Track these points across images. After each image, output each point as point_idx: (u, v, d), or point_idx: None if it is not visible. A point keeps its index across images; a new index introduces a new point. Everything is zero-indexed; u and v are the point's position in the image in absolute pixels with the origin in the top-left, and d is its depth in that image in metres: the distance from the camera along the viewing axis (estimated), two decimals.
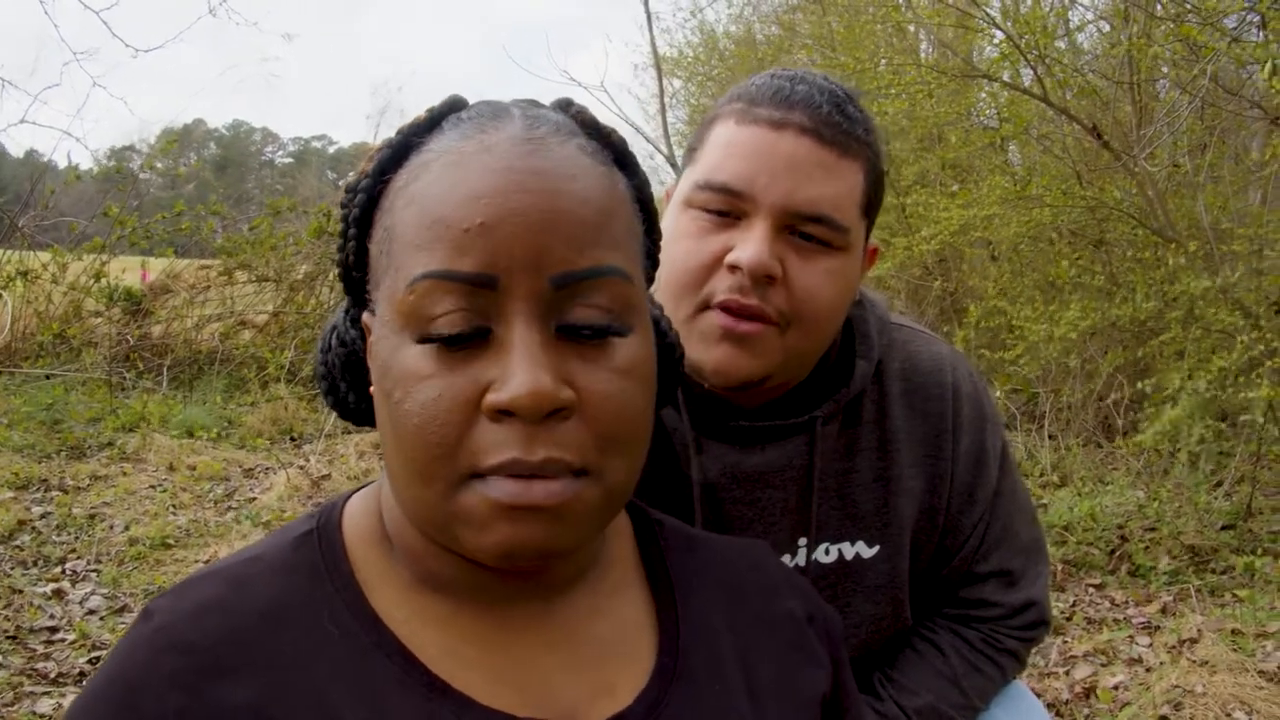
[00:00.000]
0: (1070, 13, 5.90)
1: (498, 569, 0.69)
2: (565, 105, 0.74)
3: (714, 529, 1.15)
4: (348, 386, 0.82)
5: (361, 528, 0.75)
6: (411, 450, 0.64)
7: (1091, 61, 5.51)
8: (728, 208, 1.08)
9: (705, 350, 1.07)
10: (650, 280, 0.78)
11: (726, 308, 1.07)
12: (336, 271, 0.77)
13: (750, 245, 1.05)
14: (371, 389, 0.71)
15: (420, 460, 0.64)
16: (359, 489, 0.79)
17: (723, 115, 1.13)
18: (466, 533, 0.64)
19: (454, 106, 0.72)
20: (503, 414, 0.62)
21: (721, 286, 1.07)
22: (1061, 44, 5.74)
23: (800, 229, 1.07)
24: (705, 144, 1.13)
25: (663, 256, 1.11)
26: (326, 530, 0.74)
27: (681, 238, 1.09)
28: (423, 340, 0.64)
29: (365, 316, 0.73)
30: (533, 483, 0.62)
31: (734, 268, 1.06)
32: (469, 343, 0.63)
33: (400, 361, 0.65)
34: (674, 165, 9.96)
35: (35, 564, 3.94)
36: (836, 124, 1.08)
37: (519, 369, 0.61)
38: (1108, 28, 5.71)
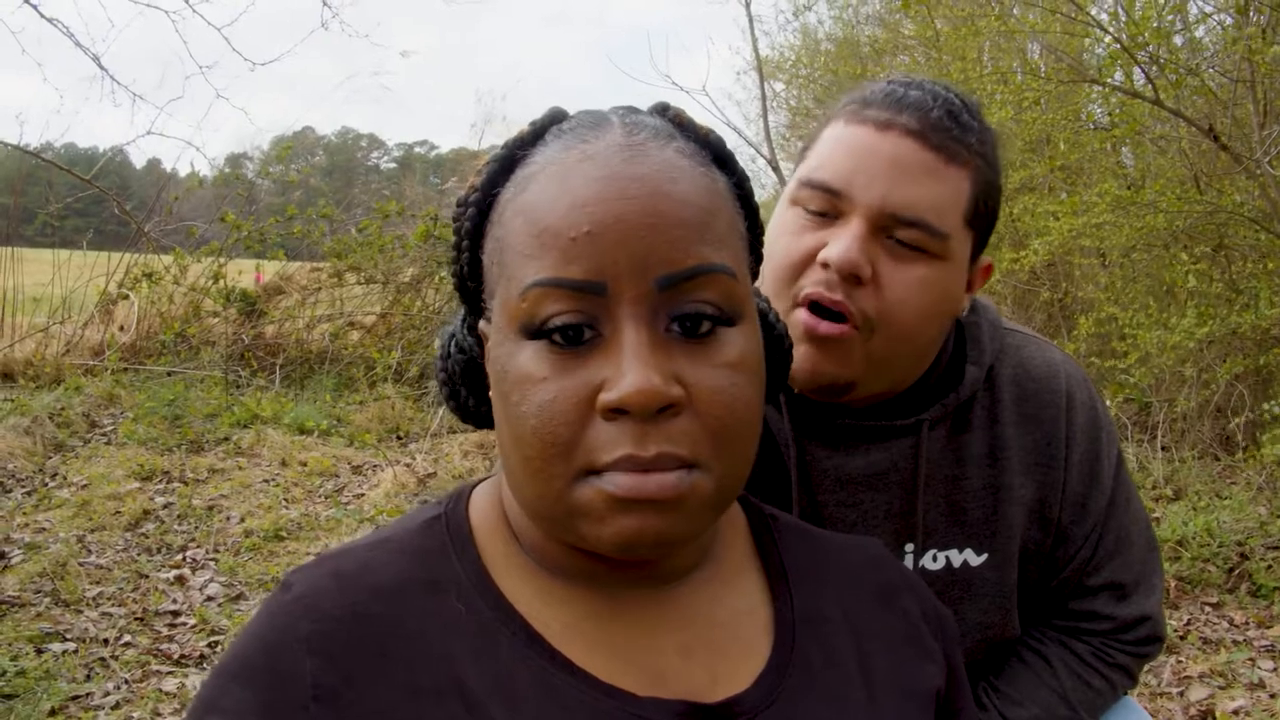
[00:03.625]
0: (1190, 4, 5.68)
1: (616, 560, 0.71)
2: (663, 109, 0.76)
3: None
4: (467, 391, 0.85)
5: (486, 516, 0.78)
6: (529, 450, 0.67)
7: (1211, 58, 5.29)
8: (826, 206, 1.08)
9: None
10: (755, 275, 0.79)
11: (812, 302, 1.07)
12: (452, 283, 0.81)
13: (841, 243, 1.05)
14: (490, 393, 0.75)
15: (538, 459, 0.67)
16: (481, 480, 0.83)
17: (836, 115, 1.13)
18: (585, 526, 0.67)
19: (555, 118, 0.75)
20: (615, 412, 0.64)
21: (810, 280, 1.07)
22: (1179, 39, 5.53)
23: (896, 233, 1.06)
24: (816, 143, 1.14)
25: (765, 252, 1.12)
26: (454, 516, 0.78)
27: (782, 234, 1.10)
28: (535, 336, 0.67)
29: (481, 325, 0.77)
30: (647, 475, 0.64)
31: (825, 264, 1.06)
32: (581, 344, 0.66)
33: (517, 365, 0.68)
34: (775, 169, 9.91)
35: (159, 551, 4.15)
36: (946, 129, 1.06)
37: (629, 369, 0.64)
38: (1230, 20, 5.47)
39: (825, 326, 1.06)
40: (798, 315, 1.08)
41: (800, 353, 1.07)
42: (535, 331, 0.67)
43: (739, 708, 0.72)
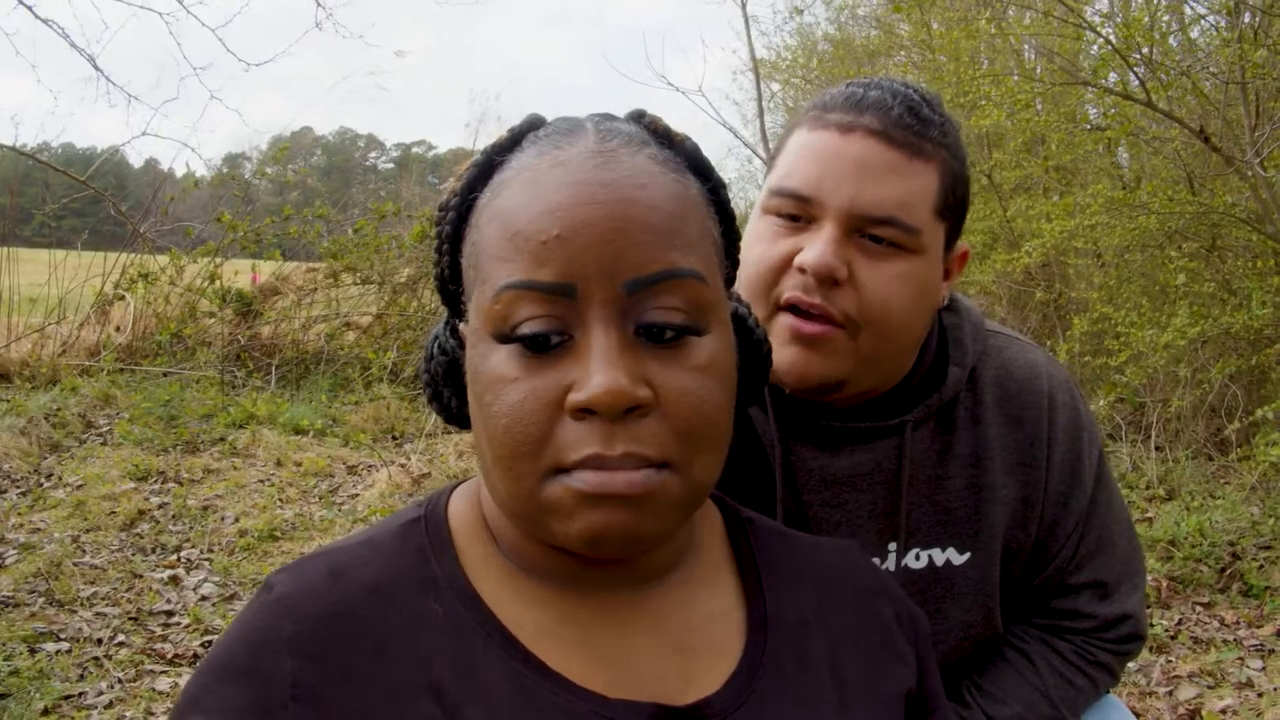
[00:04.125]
0: (1185, 6, 5.70)
1: (588, 558, 0.72)
2: (638, 116, 0.78)
3: (798, 530, 1.17)
4: (450, 393, 0.87)
5: (464, 517, 0.79)
6: (500, 448, 0.68)
7: (1205, 59, 5.31)
8: (798, 212, 1.10)
9: (777, 353, 1.08)
10: (731, 280, 0.81)
11: (793, 306, 1.09)
12: (435, 285, 0.82)
13: (816, 247, 1.07)
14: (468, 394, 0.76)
15: (508, 457, 0.68)
16: (461, 483, 0.84)
17: (799, 123, 1.16)
18: (554, 522, 0.68)
19: (533, 125, 0.77)
20: (584, 412, 0.66)
21: (788, 285, 1.09)
22: (1174, 40, 5.55)
23: (869, 232, 1.08)
24: (782, 152, 1.16)
25: (742, 261, 1.14)
26: (433, 518, 0.79)
27: (756, 242, 1.12)
28: (506, 340, 0.68)
29: (462, 326, 0.78)
30: (614, 473, 0.66)
31: (801, 269, 1.08)
32: (552, 347, 0.67)
33: (489, 367, 0.69)
34: (771, 167, 9.93)
35: (154, 551, 4.16)
36: (908, 125, 1.08)
37: (597, 370, 0.65)
38: (1224, 23, 5.49)
39: (810, 327, 1.08)
40: (781, 319, 1.09)
41: (789, 355, 1.08)
42: (506, 337, 0.68)
43: (709, 710, 0.73)
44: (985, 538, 1.21)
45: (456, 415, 0.88)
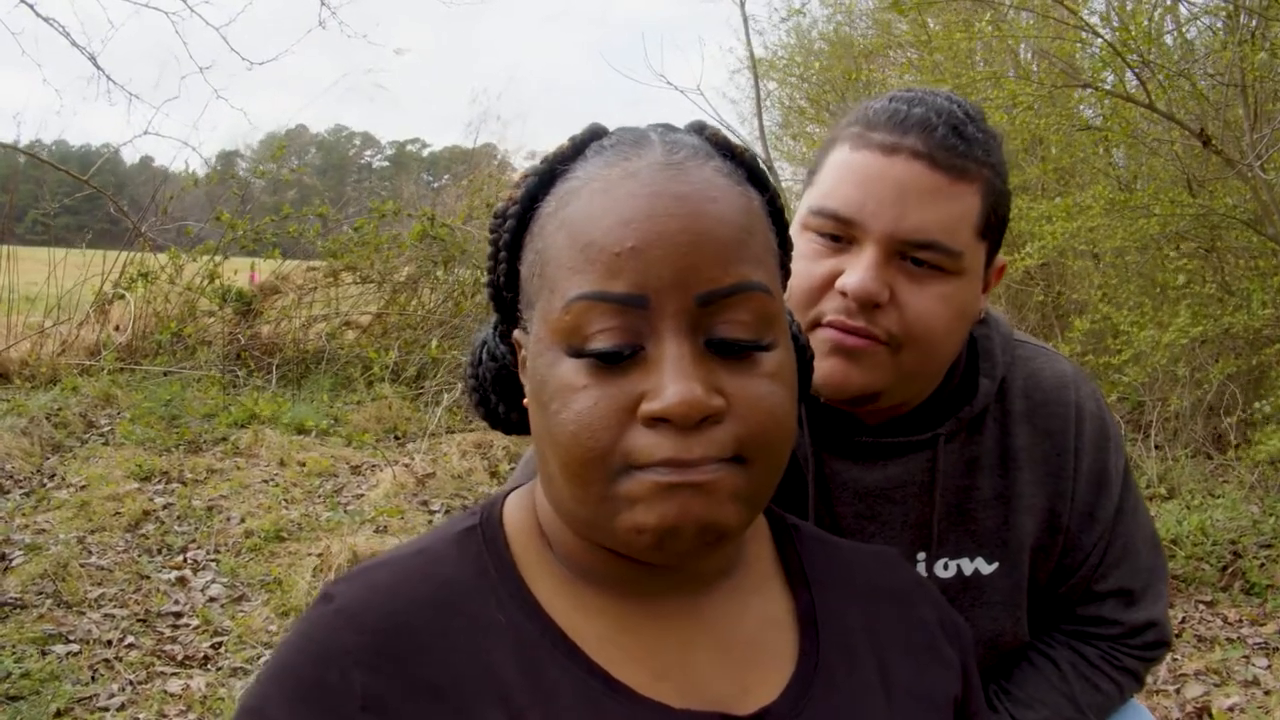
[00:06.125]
0: (1180, 6, 5.72)
1: (650, 563, 0.72)
2: (700, 128, 0.78)
3: None
4: (498, 399, 0.87)
5: (520, 525, 0.80)
6: (567, 454, 0.69)
7: (1202, 61, 5.33)
8: (839, 233, 1.11)
9: (817, 364, 1.09)
10: (785, 288, 0.81)
11: (834, 326, 1.09)
12: (488, 292, 0.82)
13: (857, 272, 1.07)
14: (525, 401, 0.77)
15: (576, 463, 0.68)
16: (514, 489, 0.84)
17: (840, 139, 1.15)
18: (627, 515, 0.68)
19: (596, 134, 0.77)
20: (658, 421, 0.66)
21: (830, 307, 1.10)
22: (1170, 39, 5.57)
23: (911, 255, 1.08)
24: (823, 167, 1.15)
25: None
26: (488, 526, 0.79)
27: (797, 259, 1.11)
28: (578, 355, 0.68)
29: (516, 334, 0.79)
30: (689, 469, 0.66)
31: (843, 292, 1.08)
32: (623, 359, 0.68)
33: (557, 375, 0.69)
34: (769, 168, 9.94)
35: (160, 552, 4.16)
36: (951, 147, 1.08)
37: (671, 380, 0.66)
38: (1220, 23, 5.51)
39: (852, 340, 1.09)
40: (823, 333, 1.10)
41: (828, 365, 1.09)
42: (578, 351, 0.68)
43: (770, 719, 0.74)
44: (1013, 547, 1.23)
45: (504, 421, 0.88)
